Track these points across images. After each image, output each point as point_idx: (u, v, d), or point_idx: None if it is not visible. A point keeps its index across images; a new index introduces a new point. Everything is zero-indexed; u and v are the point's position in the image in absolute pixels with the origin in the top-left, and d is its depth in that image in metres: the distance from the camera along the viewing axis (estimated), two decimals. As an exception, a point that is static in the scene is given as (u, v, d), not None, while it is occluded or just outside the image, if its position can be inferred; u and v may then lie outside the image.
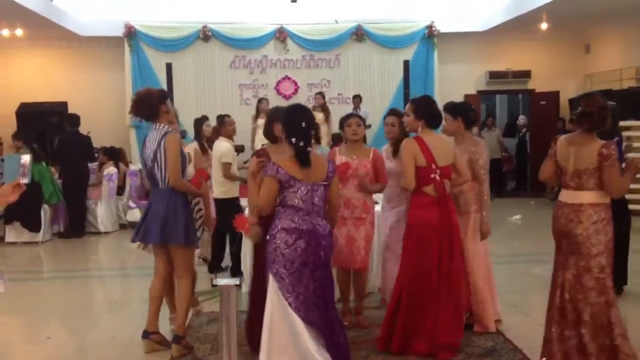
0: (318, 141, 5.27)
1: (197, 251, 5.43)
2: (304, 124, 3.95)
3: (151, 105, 4.73)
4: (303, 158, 3.92)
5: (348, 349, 4.15)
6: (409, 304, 4.59)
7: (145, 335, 4.84)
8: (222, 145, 6.92)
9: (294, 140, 3.94)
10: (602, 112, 4.06)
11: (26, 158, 3.02)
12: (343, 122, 5.37)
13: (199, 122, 7.41)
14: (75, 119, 10.55)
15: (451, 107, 5.19)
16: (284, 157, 4.02)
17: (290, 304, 3.84)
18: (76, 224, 10.24)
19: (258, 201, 4.06)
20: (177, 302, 4.89)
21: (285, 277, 3.87)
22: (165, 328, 5.18)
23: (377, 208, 5.68)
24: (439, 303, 4.55)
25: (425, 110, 4.76)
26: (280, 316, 3.88)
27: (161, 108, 4.74)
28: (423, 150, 4.58)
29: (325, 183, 3.98)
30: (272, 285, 3.92)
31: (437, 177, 4.58)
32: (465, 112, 5.16)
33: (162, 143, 4.64)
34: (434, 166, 4.58)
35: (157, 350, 4.83)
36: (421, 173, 4.57)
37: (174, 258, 4.79)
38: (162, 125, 4.73)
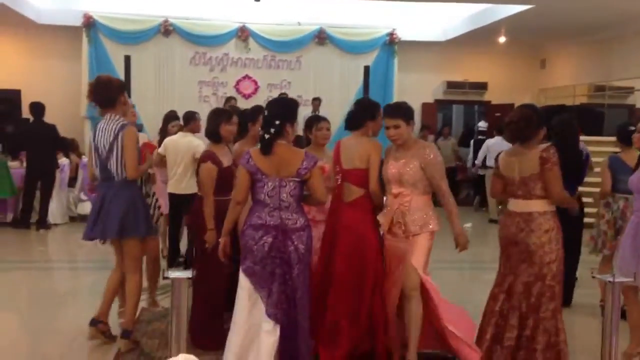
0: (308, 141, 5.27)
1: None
2: (266, 113, 4.01)
3: (111, 92, 4.67)
4: (262, 146, 3.91)
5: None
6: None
7: (93, 322, 4.81)
8: (195, 141, 6.75)
9: (260, 131, 3.98)
10: (520, 123, 4.17)
11: None
12: (312, 124, 5.23)
13: (167, 119, 7.34)
14: (40, 108, 10.16)
15: (403, 110, 4.38)
16: (257, 147, 4.03)
17: (262, 298, 3.84)
18: (44, 216, 10.02)
19: (234, 193, 4.07)
20: (127, 297, 4.83)
21: (257, 272, 3.85)
22: (114, 321, 5.12)
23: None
24: (320, 307, 4.48)
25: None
26: (246, 315, 3.88)
27: (120, 98, 4.71)
28: (335, 152, 4.70)
29: (296, 179, 3.87)
30: (243, 282, 3.90)
31: (338, 179, 4.61)
32: (413, 115, 4.48)
33: (120, 136, 4.58)
34: (337, 168, 4.62)
35: (100, 339, 4.80)
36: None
37: (127, 251, 4.74)
38: (116, 116, 4.67)
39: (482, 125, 14.42)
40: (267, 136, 3.88)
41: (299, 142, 8.39)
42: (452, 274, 7.88)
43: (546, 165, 4.10)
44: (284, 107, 4.04)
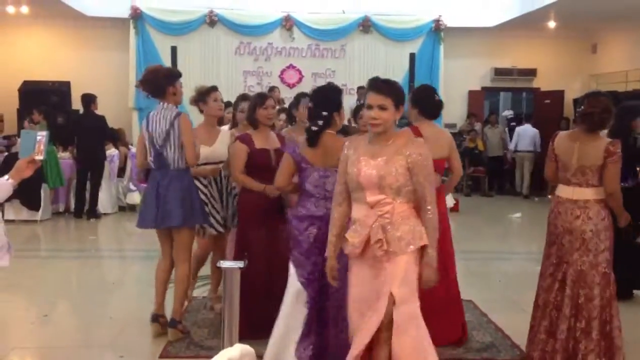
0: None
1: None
2: (311, 104, 4.00)
3: (156, 83, 4.69)
4: (309, 137, 3.90)
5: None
6: None
7: (154, 318, 4.79)
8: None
9: (308, 123, 3.97)
10: (603, 114, 4.03)
11: (43, 134, 3.03)
12: (356, 113, 5.32)
13: (235, 104, 7.37)
14: (88, 99, 10.31)
15: (396, 89, 3.33)
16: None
17: (303, 283, 3.83)
18: (93, 205, 10.25)
19: (275, 178, 4.06)
20: (175, 285, 4.83)
21: (302, 263, 3.86)
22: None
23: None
24: None
25: (420, 99, 4.71)
26: (290, 302, 3.87)
27: (168, 89, 4.70)
28: None
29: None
30: (291, 271, 3.90)
31: None
32: (404, 100, 3.38)
33: (176, 123, 4.60)
34: None
35: (164, 333, 4.76)
36: None
37: (179, 241, 4.72)
38: (169, 104, 4.69)
39: (508, 113, 15.11)
40: (314, 128, 3.86)
41: (345, 131, 8.38)
42: (503, 264, 7.75)
43: (612, 158, 3.98)
44: (329, 97, 3.98)
